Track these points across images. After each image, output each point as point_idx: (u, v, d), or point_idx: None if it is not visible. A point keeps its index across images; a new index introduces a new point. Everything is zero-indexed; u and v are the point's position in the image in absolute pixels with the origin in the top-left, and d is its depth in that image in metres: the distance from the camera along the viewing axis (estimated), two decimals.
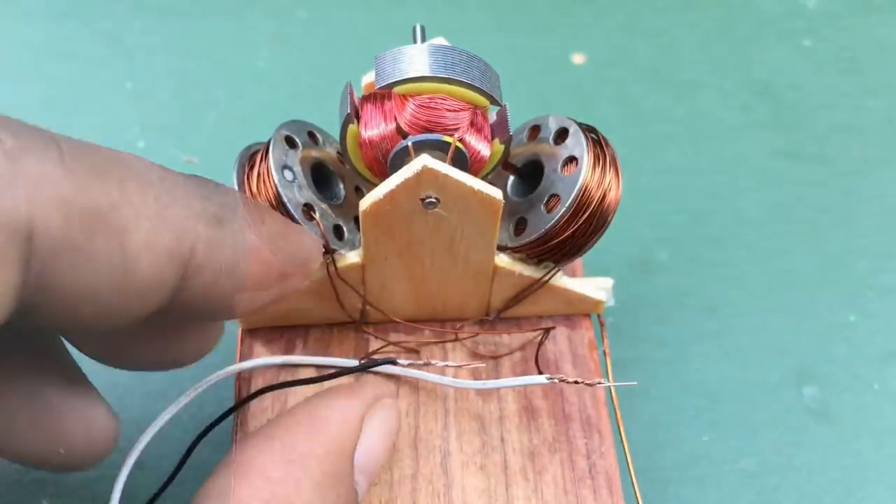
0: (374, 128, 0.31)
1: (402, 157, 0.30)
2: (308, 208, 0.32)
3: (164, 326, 0.28)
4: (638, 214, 0.46)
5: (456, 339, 0.35)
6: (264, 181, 0.31)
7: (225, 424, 0.34)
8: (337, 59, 0.53)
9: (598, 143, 0.33)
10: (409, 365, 0.33)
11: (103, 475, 0.38)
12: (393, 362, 0.33)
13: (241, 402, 0.33)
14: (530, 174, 0.34)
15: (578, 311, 0.36)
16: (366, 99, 0.31)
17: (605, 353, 0.36)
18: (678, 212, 0.46)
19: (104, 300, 0.21)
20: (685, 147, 0.49)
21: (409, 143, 0.30)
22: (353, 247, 0.33)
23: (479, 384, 0.33)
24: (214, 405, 0.39)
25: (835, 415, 0.39)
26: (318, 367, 0.34)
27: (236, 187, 0.32)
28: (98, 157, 0.21)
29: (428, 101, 0.30)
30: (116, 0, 0.56)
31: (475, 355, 0.35)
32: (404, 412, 0.33)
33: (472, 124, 0.31)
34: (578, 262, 0.38)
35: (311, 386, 0.33)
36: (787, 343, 0.42)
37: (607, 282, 0.36)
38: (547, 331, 0.35)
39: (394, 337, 0.35)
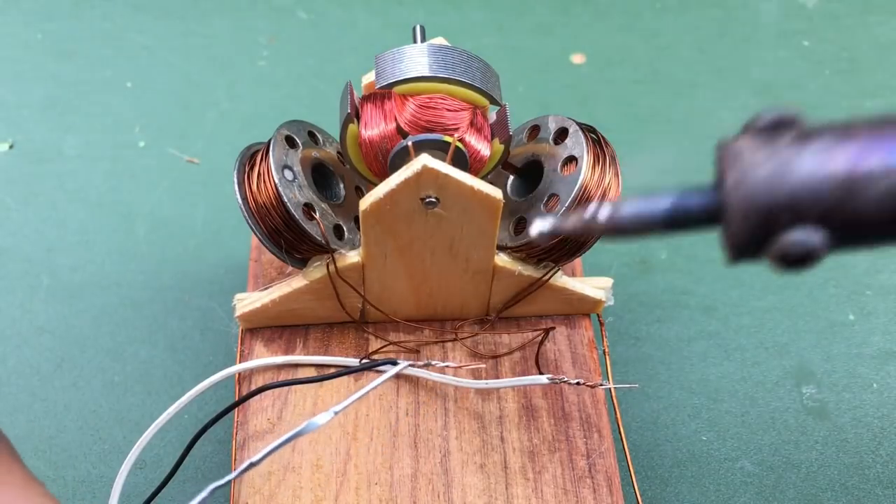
0: (374, 127, 0.31)
1: (402, 157, 0.30)
2: (308, 208, 0.32)
3: None
4: None
5: (456, 339, 0.35)
6: (264, 181, 0.31)
7: (226, 425, 0.34)
8: (337, 59, 0.53)
9: (597, 142, 0.33)
10: (409, 365, 0.33)
11: (103, 475, 0.38)
12: (393, 363, 0.33)
13: (242, 400, 0.33)
14: (530, 174, 0.34)
15: (578, 310, 0.36)
16: (366, 99, 0.31)
17: (604, 352, 0.36)
18: None
19: None
20: (684, 147, 0.49)
21: (409, 143, 0.30)
22: (353, 246, 0.33)
23: (481, 384, 0.33)
24: (214, 405, 0.39)
25: (833, 413, 0.39)
26: (318, 366, 0.34)
27: (236, 187, 0.32)
28: None
29: (428, 100, 0.30)
30: (116, 0, 0.56)
31: (475, 355, 0.35)
32: (404, 411, 0.33)
33: (472, 124, 0.31)
34: (578, 262, 0.38)
35: (311, 385, 0.33)
36: (786, 342, 0.42)
37: (607, 281, 0.36)
38: (547, 331, 0.35)
39: (394, 336, 0.35)
